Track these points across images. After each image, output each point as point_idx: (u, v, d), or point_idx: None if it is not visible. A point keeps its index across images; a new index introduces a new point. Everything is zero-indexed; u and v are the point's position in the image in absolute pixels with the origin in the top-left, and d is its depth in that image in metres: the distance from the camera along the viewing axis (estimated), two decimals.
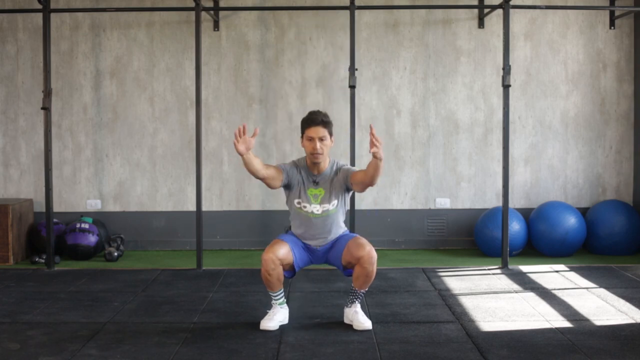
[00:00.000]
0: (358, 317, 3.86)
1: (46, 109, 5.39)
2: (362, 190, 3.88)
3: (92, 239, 5.90)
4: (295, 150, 6.25)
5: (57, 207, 6.13)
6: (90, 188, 6.33)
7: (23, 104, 6.28)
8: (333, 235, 3.94)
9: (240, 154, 3.66)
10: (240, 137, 3.65)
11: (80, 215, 6.22)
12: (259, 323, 3.93)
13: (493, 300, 4.41)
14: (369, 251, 3.76)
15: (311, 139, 3.80)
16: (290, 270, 3.92)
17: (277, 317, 3.86)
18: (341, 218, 3.96)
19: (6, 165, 6.32)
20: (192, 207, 6.14)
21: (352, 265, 3.84)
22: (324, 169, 3.89)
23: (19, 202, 5.93)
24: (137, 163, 6.31)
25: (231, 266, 5.58)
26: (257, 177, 3.79)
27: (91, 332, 3.79)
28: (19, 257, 5.85)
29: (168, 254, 6.16)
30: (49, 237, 5.45)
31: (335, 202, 3.88)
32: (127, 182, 6.32)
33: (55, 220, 5.89)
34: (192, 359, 3.37)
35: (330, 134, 3.85)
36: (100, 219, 6.22)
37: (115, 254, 5.83)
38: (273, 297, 3.90)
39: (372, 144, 3.56)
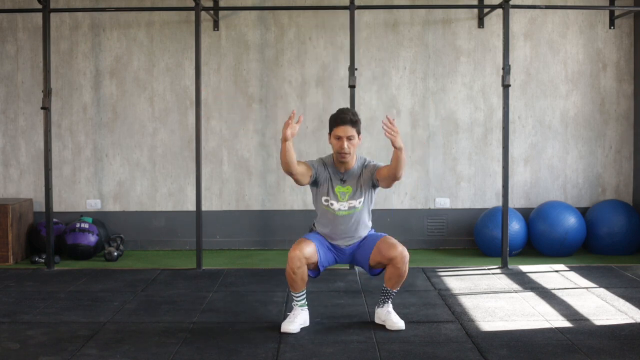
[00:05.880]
0: (391, 318, 3.84)
1: (46, 109, 5.39)
2: (389, 185, 3.84)
3: (92, 239, 5.90)
4: (295, 151, 6.23)
5: (57, 207, 6.13)
6: (90, 188, 6.33)
7: (23, 104, 6.28)
8: (360, 234, 3.91)
9: (286, 139, 3.62)
10: (293, 122, 3.63)
11: (80, 215, 6.22)
12: (259, 323, 3.93)
13: (493, 300, 4.41)
14: (402, 252, 3.75)
15: (339, 138, 3.78)
16: (315, 270, 3.89)
17: (298, 319, 3.82)
18: (367, 216, 3.93)
19: (6, 165, 6.32)
20: (192, 207, 6.14)
21: (382, 266, 3.84)
22: (351, 167, 3.86)
23: (19, 202, 5.93)
24: (137, 163, 6.31)
25: (231, 266, 5.58)
26: (289, 171, 3.73)
27: (91, 332, 3.79)
28: (19, 257, 5.85)
29: (168, 254, 6.15)
30: (49, 237, 5.45)
31: (361, 199, 3.85)
32: (127, 182, 6.32)
33: (55, 220, 5.89)
34: (192, 359, 3.37)
35: (359, 133, 3.83)
36: (100, 219, 6.22)
37: (115, 254, 5.83)
38: (295, 298, 3.85)
39: (387, 133, 3.55)
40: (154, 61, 6.26)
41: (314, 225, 4.03)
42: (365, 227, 3.93)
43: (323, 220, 3.93)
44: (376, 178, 3.82)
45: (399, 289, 3.91)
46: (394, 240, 3.82)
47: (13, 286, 4.89)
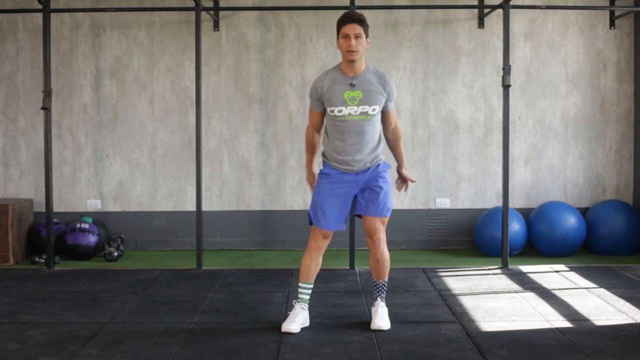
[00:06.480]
0: (376, 316, 3.83)
1: (46, 109, 5.39)
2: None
3: (92, 239, 5.90)
4: (295, 151, 6.25)
5: (57, 207, 6.13)
6: (90, 188, 6.33)
7: (23, 104, 6.28)
8: (371, 150, 3.78)
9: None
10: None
11: (80, 215, 6.22)
12: (259, 323, 3.93)
13: (493, 300, 4.41)
14: (375, 237, 3.76)
15: (347, 37, 3.71)
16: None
17: (299, 319, 3.80)
18: (377, 131, 3.82)
19: (6, 165, 6.32)
20: (192, 207, 6.14)
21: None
22: (360, 71, 3.76)
23: (19, 202, 5.93)
24: (137, 163, 6.31)
25: (231, 266, 5.58)
26: None
27: (91, 332, 3.79)
28: (19, 257, 5.85)
29: (168, 254, 6.16)
30: (49, 237, 5.45)
31: (376, 107, 3.74)
32: (127, 182, 6.32)
33: (55, 220, 5.89)
34: (192, 359, 3.37)
35: (367, 35, 3.75)
36: (100, 219, 6.22)
37: (115, 254, 5.83)
38: (301, 291, 3.84)
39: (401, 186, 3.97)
40: (154, 61, 6.26)
41: (323, 155, 3.91)
42: (376, 142, 3.80)
43: (333, 133, 3.79)
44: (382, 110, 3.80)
45: (386, 279, 3.90)
46: (378, 221, 3.77)
47: (13, 286, 4.90)
